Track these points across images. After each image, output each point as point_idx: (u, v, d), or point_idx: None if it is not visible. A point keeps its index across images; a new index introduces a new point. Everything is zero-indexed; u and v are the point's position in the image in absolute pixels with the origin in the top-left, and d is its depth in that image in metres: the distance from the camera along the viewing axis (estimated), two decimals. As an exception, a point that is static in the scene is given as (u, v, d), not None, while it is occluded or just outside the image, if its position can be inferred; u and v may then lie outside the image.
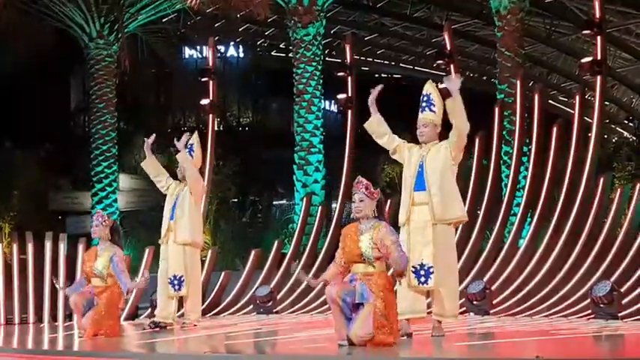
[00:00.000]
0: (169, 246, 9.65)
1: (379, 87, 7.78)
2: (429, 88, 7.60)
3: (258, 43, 33.81)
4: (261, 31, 31.54)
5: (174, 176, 10.00)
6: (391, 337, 6.71)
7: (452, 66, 11.84)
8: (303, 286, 11.54)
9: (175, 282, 9.58)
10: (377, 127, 7.66)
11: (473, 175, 11.15)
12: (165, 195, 9.91)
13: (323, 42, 22.04)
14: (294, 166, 20.96)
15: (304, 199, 13.43)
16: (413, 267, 7.29)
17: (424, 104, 7.54)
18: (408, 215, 7.39)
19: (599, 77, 10.83)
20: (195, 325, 9.62)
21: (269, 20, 26.01)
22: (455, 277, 7.57)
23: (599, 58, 10.80)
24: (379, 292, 6.70)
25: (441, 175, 7.38)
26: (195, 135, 10.13)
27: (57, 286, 10.11)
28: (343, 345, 6.77)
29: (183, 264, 9.58)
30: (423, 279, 7.32)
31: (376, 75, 37.04)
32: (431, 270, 7.30)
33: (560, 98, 34.60)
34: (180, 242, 9.60)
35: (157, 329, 9.48)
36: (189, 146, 9.92)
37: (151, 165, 10.01)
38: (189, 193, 9.67)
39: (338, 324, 6.85)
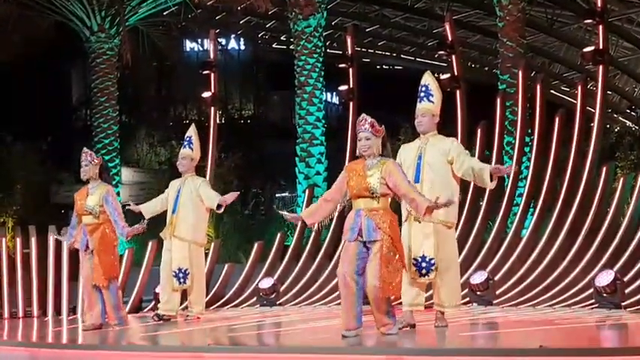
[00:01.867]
0: (173, 239, 9.65)
1: None
2: (428, 79, 7.60)
3: (259, 35, 33.76)
4: (262, 23, 31.49)
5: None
6: (399, 273, 6.80)
7: (453, 57, 11.81)
8: (306, 278, 11.56)
9: (180, 275, 9.57)
10: None
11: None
12: (167, 187, 9.90)
13: (324, 34, 22.02)
14: (296, 159, 20.97)
15: (306, 191, 13.43)
16: (414, 259, 7.30)
17: (422, 94, 7.53)
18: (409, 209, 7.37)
19: (601, 67, 10.80)
20: (198, 318, 9.63)
21: (270, 12, 26.00)
22: (456, 267, 7.58)
23: (601, 47, 10.78)
24: (386, 228, 6.77)
25: (436, 170, 7.32)
26: (193, 127, 10.05)
27: (59, 238, 10.05)
28: (347, 336, 6.78)
29: (188, 257, 9.58)
30: (424, 271, 7.33)
31: (377, 67, 37.02)
32: (432, 262, 7.30)
33: (563, 88, 34.54)
34: (180, 238, 9.57)
35: (161, 321, 9.49)
36: (187, 139, 9.85)
37: (151, 211, 9.84)
38: (198, 193, 9.60)
39: (347, 309, 6.83)
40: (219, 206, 9.42)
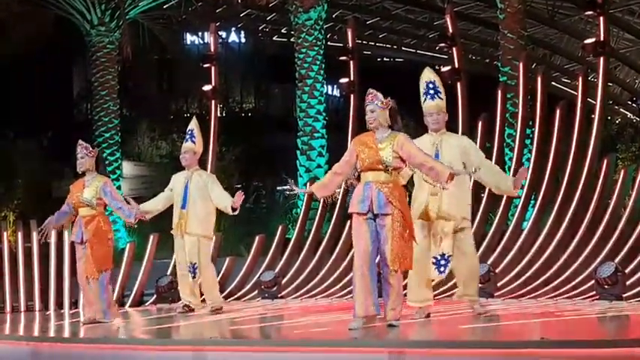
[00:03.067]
0: (185, 235, 9.49)
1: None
2: (431, 76, 7.52)
3: (260, 28, 33.68)
4: (262, 16, 31.41)
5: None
6: (411, 246, 6.89)
7: (454, 49, 11.80)
8: (307, 271, 11.56)
9: (192, 269, 9.47)
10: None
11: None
12: (169, 180, 9.84)
13: (325, 26, 21.99)
14: (298, 152, 20.96)
15: (307, 184, 13.44)
16: (434, 257, 7.30)
17: (431, 92, 7.45)
18: (425, 206, 7.32)
19: (602, 58, 10.79)
20: (215, 310, 9.53)
21: (270, 5, 25.98)
22: (477, 258, 7.71)
23: (602, 39, 10.76)
24: (397, 201, 6.81)
25: (455, 165, 7.20)
26: (194, 120, 9.93)
27: (45, 227, 9.93)
28: (355, 328, 6.79)
29: (197, 251, 9.52)
30: (442, 269, 7.35)
31: (378, 59, 36.96)
32: (449, 259, 7.33)
33: (563, 80, 34.46)
34: (191, 234, 9.48)
35: (188, 311, 9.50)
36: (189, 132, 9.75)
37: (153, 210, 9.65)
38: (207, 188, 9.52)
39: (365, 296, 6.83)
40: (232, 209, 9.34)
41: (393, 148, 6.86)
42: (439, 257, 7.34)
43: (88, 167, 9.06)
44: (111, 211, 9.50)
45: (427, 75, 7.55)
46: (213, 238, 9.98)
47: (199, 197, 9.49)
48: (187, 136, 9.72)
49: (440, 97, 7.46)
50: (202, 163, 10.96)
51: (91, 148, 9.16)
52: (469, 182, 7.52)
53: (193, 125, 9.75)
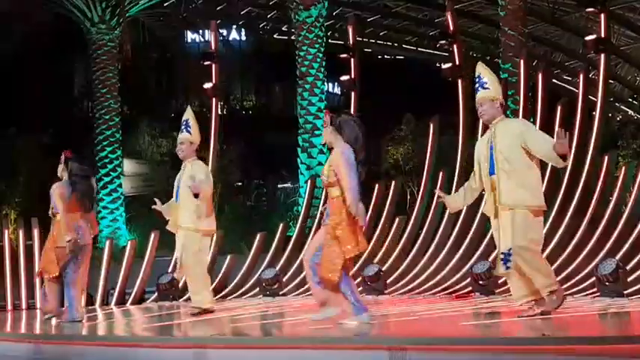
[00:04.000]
0: (179, 229, 9.15)
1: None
2: (479, 69, 7.35)
3: (261, 26, 33.68)
4: (263, 13, 31.41)
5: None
6: (339, 259, 6.94)
7: (455, 46, 11.79)
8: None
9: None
10: (464, 201, 7.57)
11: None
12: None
13: (325, 24, 21.99)
14: (298, 149, 20.96)
15: (308, 181, 13.44)
16: (502, 253, 7.08)
17: (477, 85, 7.33)
18: (491, 205, 7.12)
19: (603, 55, 10.79)
20: (202, 311, 9.29)
21: (271, 3, 25.94)
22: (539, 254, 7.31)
23: (603, 36, 10.76)
24: (334, 214, 6.98)
25: (510, 157, 7.00)
26: (189, 110, 9.57)
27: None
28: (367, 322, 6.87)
29: (181, 245, 9.13)
30: (509, 264, 7.05)
31: (379, 57, 36.94)
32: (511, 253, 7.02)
33: (564, 77, 34.43)
34: (182, 227, 9.08)
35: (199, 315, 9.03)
36: (184, 122, 9.47)
37: (168, 211, 9.35)
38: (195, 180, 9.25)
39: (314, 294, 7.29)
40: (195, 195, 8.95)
41: (329, 162, 7.06)
42: (507, 252, 7.03)
43: (62, 174, 9.08)
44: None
45: (476, 70, 7.42)
46: (210, 233, 9.35)
47: (189, 188, 9.02)
48: (182, 126, 9.39)
49: (484, 88, 7.27)
50: (203, 161, 10.94)
51: (63, 155, 9.11)
52: (535, 168, 7.11)
53: (188, 115, 9.39)
